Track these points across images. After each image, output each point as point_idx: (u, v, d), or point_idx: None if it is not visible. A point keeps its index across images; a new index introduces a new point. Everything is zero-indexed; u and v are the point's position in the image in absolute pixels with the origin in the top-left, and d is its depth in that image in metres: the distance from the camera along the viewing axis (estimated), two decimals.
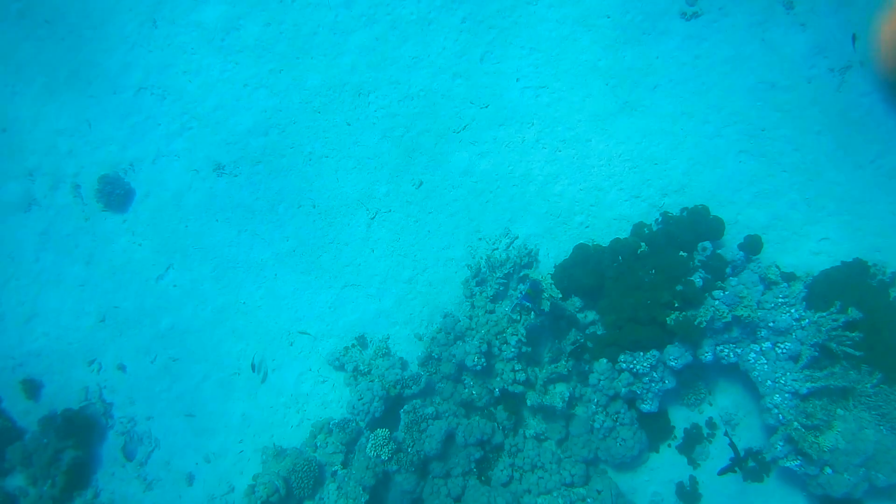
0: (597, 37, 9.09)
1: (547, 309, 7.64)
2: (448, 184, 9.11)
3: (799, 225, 8.44)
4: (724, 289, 7.68)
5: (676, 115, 8.80)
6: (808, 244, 8.41)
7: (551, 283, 7.76)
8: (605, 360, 7.90)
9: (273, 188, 9.32)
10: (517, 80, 9.17)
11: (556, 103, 9.06)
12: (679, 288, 7.63)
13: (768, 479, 8.14)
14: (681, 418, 8.45)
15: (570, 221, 8.84)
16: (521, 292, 7.85)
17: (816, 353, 7.55)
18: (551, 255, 8.84)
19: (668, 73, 8.91)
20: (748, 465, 8.15)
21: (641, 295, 7.85)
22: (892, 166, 8.34)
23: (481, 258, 8.72)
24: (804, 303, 7.67)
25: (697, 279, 7.67)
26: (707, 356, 7.67)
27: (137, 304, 9.46)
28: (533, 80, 9.14)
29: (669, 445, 8.40)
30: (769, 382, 7.48)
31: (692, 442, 8.35)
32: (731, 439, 8.19)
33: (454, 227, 9.02)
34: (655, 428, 8.35)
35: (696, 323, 7.47)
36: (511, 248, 8.84)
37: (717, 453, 8.31)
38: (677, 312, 7.65)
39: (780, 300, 7.72)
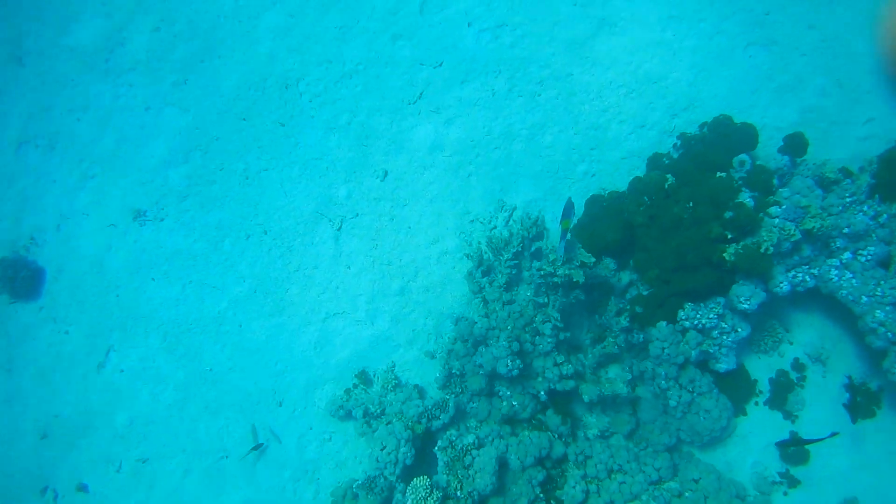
0: None
1: (582, 280, 6.58)
2: (418, 166, 7.98)
3: (836, 112, 7.52)
4: (778, 203, 6.72)
5: (664, 20, 7.81)
6: (852, 131, 7.49)
7: (579, 247, 6.68)
8: (664, 323, 6.87)
9: (211, 223, 8.07)
10: (469, 24, 8.08)
11: (522, 41, 8.01)
12: (729, 215, 6.63)
13: (881, 411, 7.25)
14: (761, 368, 7.45)
15: (572, 174, 7.79)
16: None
17: None
18: (559, 217, 7.78)
19: None
20: (857, 402, 7.24)
21: (684, 235, 6.83)
22: None
23: (480, 243, 7.63)
24: (876, 196, 6.79)
25: (747, 199, 6.70)
26: (783, 287, 6.67)
27: (81, 404, 8.10)
28: (487, 20, 8.06)
29: (757, 403, 7.39)
30: (864, 298, 6.50)
31: (782, 392, 7.35)
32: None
33: (438, 215, 7.90)
34: (736, 387, 7.32)
35: (762, 251, 6.48)
36: (511, 221, 7.75)
37: (814, 398, 7.34)
38: (734, 244, 6.68)
39: (847, 199, 6.78)
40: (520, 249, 7.48)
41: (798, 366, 7.42)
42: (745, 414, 7.37)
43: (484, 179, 7.90)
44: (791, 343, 7.45)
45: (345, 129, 8.05)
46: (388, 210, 7.94)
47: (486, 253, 7.55)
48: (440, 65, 8.08)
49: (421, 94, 8.06)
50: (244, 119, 8.10)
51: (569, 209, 6.32)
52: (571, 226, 6.45)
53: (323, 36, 8.14)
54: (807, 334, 7.43)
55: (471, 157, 7.94)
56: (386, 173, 7.96)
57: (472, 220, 7.85)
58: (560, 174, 7.82)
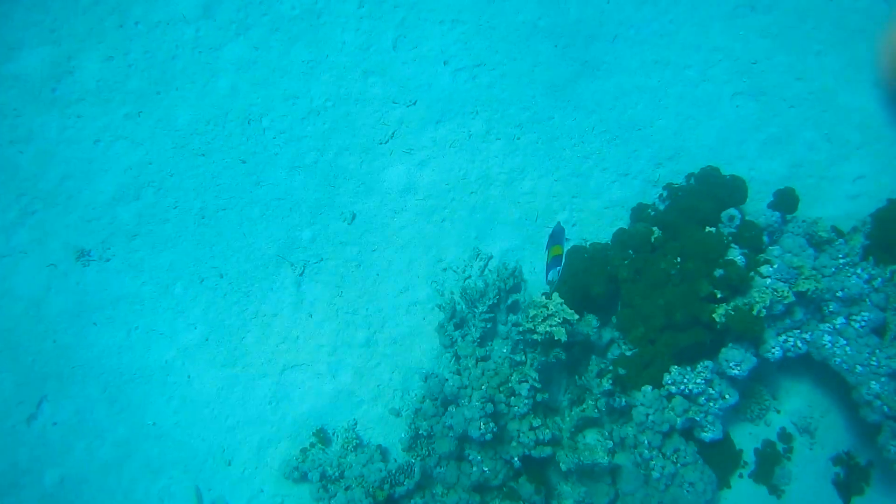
0: None
1: (564, 338, 6.21)
2: (389, 209, 7.59)
3: (825, 167, 7.38)
4: (770, 262, 6.47)
5: (648, 65, 7.64)
6: (842, 188, 7.35)
7: (561, 304, 6.32)
8: (649, 388, 6.51)
9: (161, 265, 7.53)
10: (445, 62, 7.78)
11: (500, 81, 7.73)
12: (719, 273, 6.35)
13: (869, 488, 6.95)
14: (747, 437, 7.13)
15: (551, 222, 7.43)
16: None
17: None
18: (539, 268, 7.42)
19: (626, 17, 7.77)
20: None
21: (672, 292, 6.53)
22: None
23: (453, 293, 7.24)
24: (871, 258, 6.57)
25: (738, 257, 6.43)
26: (775, 352, 6.38)
27: (8, 461, 7.39)
28: (464, 58, 7.78)
29: (742, 476, 7.03)
30: (859, 368, 6.22)
31: (768, 464, 7.01)
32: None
33: (409, 262, 7.50)
34: (721, 458, 6.96)
35: (754, 313, 6.19)
36: (487, 271, 7.38)
37: (801, 471, 7.02)
38: (724, 305, 6.39)
39: (840, 261, 6.56)
40: (496, 302, 7.11)
41: (785, 436, 7.10)
42: (728, 487, 6.99)
43: (459, 225, 7.53)
44: (778, 411, 7.14)
45: (311, 169, 7.64)
46: (355, 255, 7.51)
47: (459, 304, 7.14)
48: (414, 103, 7.75)
49: (393, 133, 7.71)
50: (202, 155, 7.64)
51: (559, 233, 5.92)
52: (564, 252, 5.99)
53: (289, 70, 7.76)
54: (795, 402, 7.14)
55: (445, 201, 7.58)
56: (354, 216, 7.56)
57: (446, 269, 7.46)
58: (539, 222, 7.49)
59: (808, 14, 7.57)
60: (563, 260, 5.89)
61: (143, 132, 7.69)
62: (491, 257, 7.41)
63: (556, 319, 6.22)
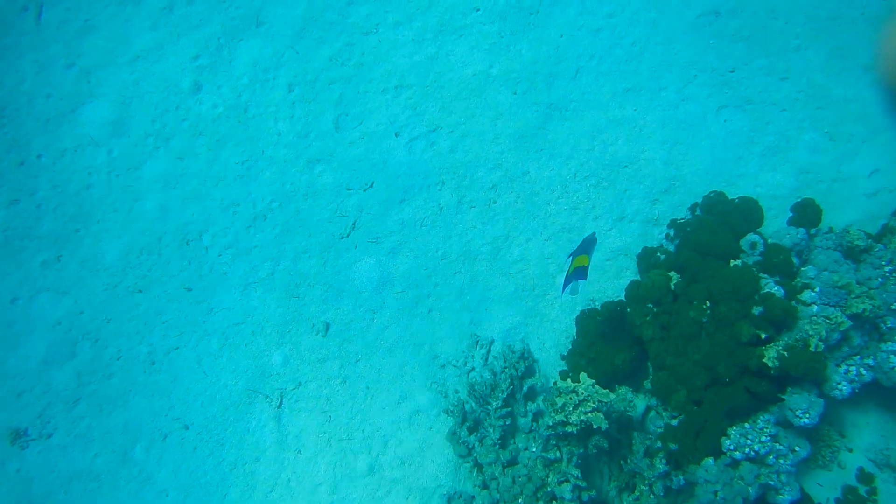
0: (475, 41, 7.27)
1: (605, 425, 5.40)
2: (365, 310, 6.77)
3: (835, 169, 6.82)
4: (810, 286, 5.82)
5: (619, 94, 7.05)
6: (857, 187, 6.77)
7: (592, 385, 5.52)
8: (711, 461, 5.71)
9: (114, 428, 6.54)
10: (396, 134, 7.10)
11: (462, 143, 7.07)
12: (758, 310, 5.65)
13: None
14: (822, 487, 6.37)
15: (551, 288, 6.72)
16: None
17: None
18: (548, 343, 6.66)
19: (584, 49, 7.22)
20: None
21: (708, 343, 5.79)
22: None
23: (458, 392, 6.41)
24: None
25: (774, 288, 5.76)
26: (843, 389, 5.65)
27: None
28: (417, 126, 7.11)
29: None
30: None
31: None
32: None
33: (401, 367, 6.64)
34: None
35: (812, 349, 5.50)
36: (492, 359, 6.58)
37: None
38: (773, 346, 5.68)
39: (886, 268, 5.94)
40: (510, 391, 6.30)
41: (864, 476, 6.32)
42: None
43: (448, 313, 6.75)
44: (850, 450, 6.37)
45: (268, 282, 6.82)
46: (337, 371, 6.64)
47: (468, 404, 6.30)
48: (371, 186, 7.03)
49: (354, 223, 6.95)
50: (140, 291, 6.76)
51: (589, 243, 5.20)
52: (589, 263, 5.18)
53: (223, 176, 7.00)
54: (866, 436, 6.38)
55: (428, 288, 6.81)
56: (328, 326, 6.71)
57: (444, 366, 6.63)
58: (538, 291, 6.75)
59: (778, 10, 7.11)
60: (587, 273, 5.14)
61: (66, 279, 6.80)
62: (493, 342, 6.62)
63: (590, 404, 5.42)
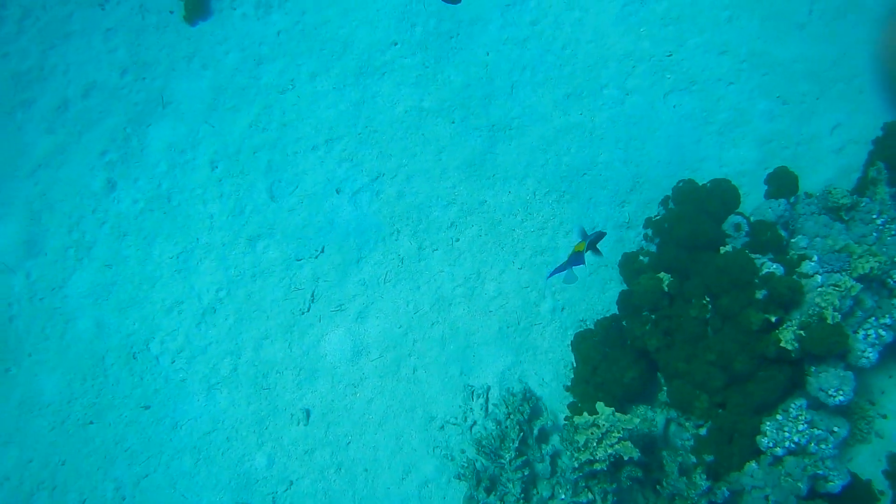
0: (399, 77, 6.95)
1: (637, 455, 4.99)
2: (345, 386, 6.22)
3: (795, 132, 6.65)
4: (807, 256, 5.56)
5: (562, 101, 6.78)
6: (822, 145, 6.62)
7: (612, 414, 5.10)
8: (754, 465, 5.33)
9: None
10: (337, 191, 6.69)
11: (409, 185, 6.67)
12: (762, 294, 5.36)
13: None
14: (865, 461, 6.07)
15: (537, 318, 6.33)
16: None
17: None
18: (548, 377, 6.23)
19: (515, 62, 6.97)
20: None
21: (718, 340, 5.46)
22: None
23: (465, 452, 5.92)
24: None
25: (772, 266, 5.47)
26: (870, 356, 5.34)
27: None
28: (357, 177, 6.71)
29: None
30: None
31: None
32: None
33: (397, 439, 6.10)
34: (853, 501, 5.90)
35: (830, 322, 5.20)
36: (492, 407, 6.13)
37: None
38: (786, 328, 5.37)
39: (878, 222, 5.74)
40: (521, 438, 5.84)
41: None
42: None
43: (435, 369, 6.26)
44: (885, 416, 6.10)
45: (232, 379, 6.22)
46: (329, 460, 6.05)
47: (479, 462, 5.82)
48: (322, 251, 6.55)
49: (312, 295, 6.45)
50: (91, 422, 6.07)
51: (595, 235, 4.93)
52: (586, 249, 4.90)
53: (158, 275, 6.43)
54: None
55: (407, 347, 6.32)
56: (308, 413, 6.14)
57: (443, 426, 6.13)
58: (523, 324, 6.34)
59: None
60: (584, 259, 4.83)
61: (5, 427, 6.11)
62: (489, 388, 6.16)
63: (615, 434, 5.00)
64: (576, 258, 4.91)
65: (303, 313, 6.44)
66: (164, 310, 6.46)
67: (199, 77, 7.10)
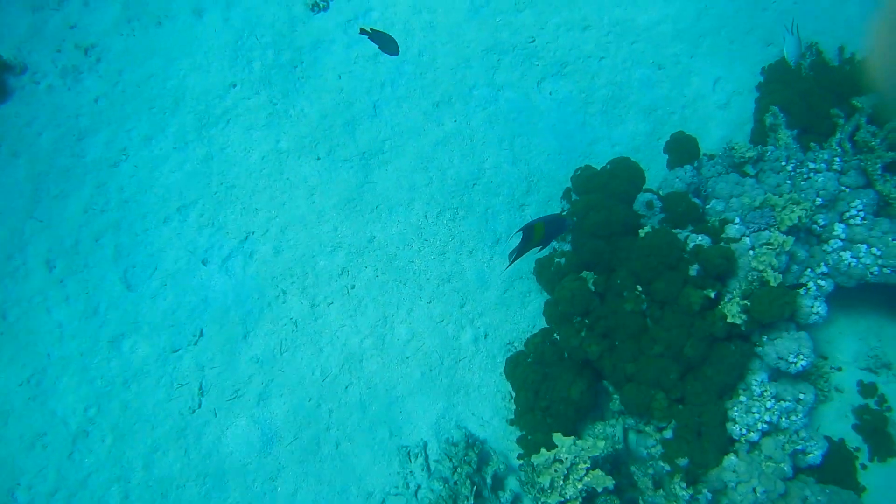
0: (246, 121, 6.26)
1: (612, 484, 4.44)
2: (262, 483, 5.35)
3: (678, 95, 6.42)
4: (728, 220, 5.23)
5: (432, 112, 6.29)
6: (708, 103, 6.42)
7: (573, 443, 4.53)
8: (733, 458, 4.91)
9: None
10: (204, 262, 5.85)
11: (285, 238, 5.95)
12: (696, 270, 4.99)
13: None
14: (834, 421, 5.79)
15: (460, 353, 5.70)
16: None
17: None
18: (486, 415, 5.61)
19: (371, 80, 6.45)
20: None
21: (661, 330, 5.05)
22: None
23: None
24: (811, 143, 5.56)
25: (697, 239, 5.11)
26: (818, 310, 5.04)
27: None
28: (224, 243, 5.91)
29: (865, 467, 5.57)
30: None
31: (878, 433, 5.64)
32: None
33: None
34: (833, 466, 5.56)
35: (774, 285, 4.87)
36: (434, 464, 5.47)
37: None
38: (728, 301, 5.00)
39: (789, 168, 5.50)
40: (475, 493, 5.20)
41: (866, 389, 5.83)
42: (865, 490, 5.59)
43: (360, 437, 5.52)
44: (840, 369, 5.87)
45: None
46: None
47: None
48: (200, 335, 5.71)
49: (200, 388, 5.59)
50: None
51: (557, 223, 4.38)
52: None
53: (9, 408, 5.33)
54: (846, 347, 5.90)
55: (323, 421, 5.55)
56: None
57: (384, 501, 5.41)
58: (447, 363, 5.72)
59: None
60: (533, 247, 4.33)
61: None
62: (426, 444, 5.47)
63: (583, 465, 4.46)
64: (535, 242, 4.31)
65: (193, 411, 5.56)
66: (25, 447, 5.43)
67: (11, 167, 6.16)
